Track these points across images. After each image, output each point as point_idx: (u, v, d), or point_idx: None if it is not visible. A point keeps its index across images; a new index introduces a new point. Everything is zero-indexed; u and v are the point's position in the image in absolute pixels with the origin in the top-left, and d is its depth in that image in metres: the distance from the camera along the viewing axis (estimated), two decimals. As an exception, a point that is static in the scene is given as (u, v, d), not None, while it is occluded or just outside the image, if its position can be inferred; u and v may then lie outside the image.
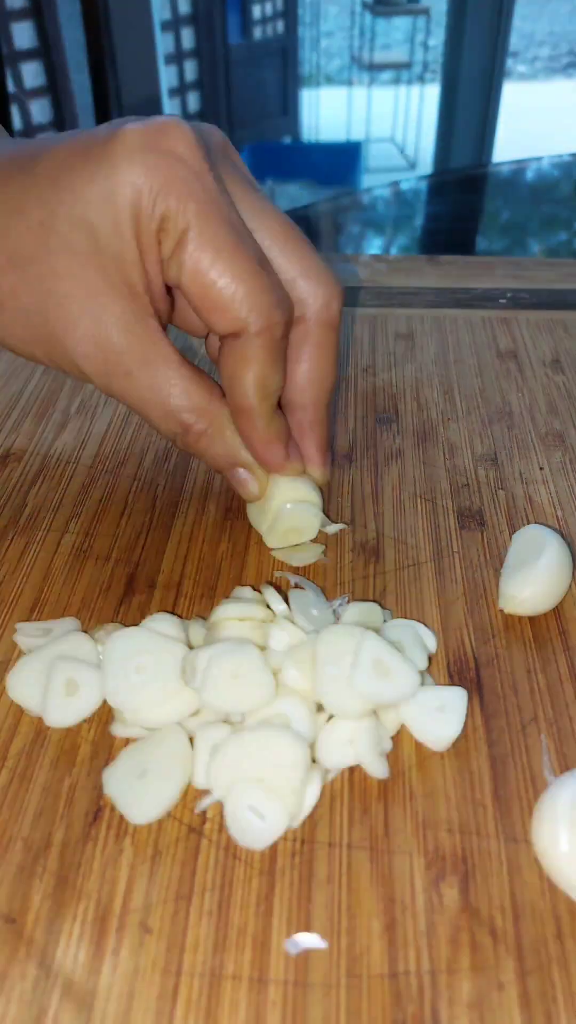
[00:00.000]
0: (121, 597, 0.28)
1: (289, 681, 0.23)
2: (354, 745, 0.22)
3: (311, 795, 0.21)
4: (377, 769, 0.22)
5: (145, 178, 0.23)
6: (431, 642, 0.25)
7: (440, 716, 0.23)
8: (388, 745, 0.23)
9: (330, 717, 0.22)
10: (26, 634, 0.26)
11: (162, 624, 0.24)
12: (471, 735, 0.23)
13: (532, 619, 0.27)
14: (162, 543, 0.30)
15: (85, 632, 0.25)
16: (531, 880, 0.20)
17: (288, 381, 0.28)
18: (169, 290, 0.26)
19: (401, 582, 0.28)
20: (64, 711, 0.23)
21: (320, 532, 0.30)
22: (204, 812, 0.21)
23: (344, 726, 0.22)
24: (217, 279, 0.24)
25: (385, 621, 0.26)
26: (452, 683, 0.25)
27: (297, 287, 0.27)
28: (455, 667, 0.25)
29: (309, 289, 0.27)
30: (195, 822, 0.21)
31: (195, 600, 0.28)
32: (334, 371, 0.28)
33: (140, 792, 0.21)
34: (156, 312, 0.26)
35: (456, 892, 0.20)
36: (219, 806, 0.21)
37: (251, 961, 0.18)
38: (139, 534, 0.30)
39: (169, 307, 0.27)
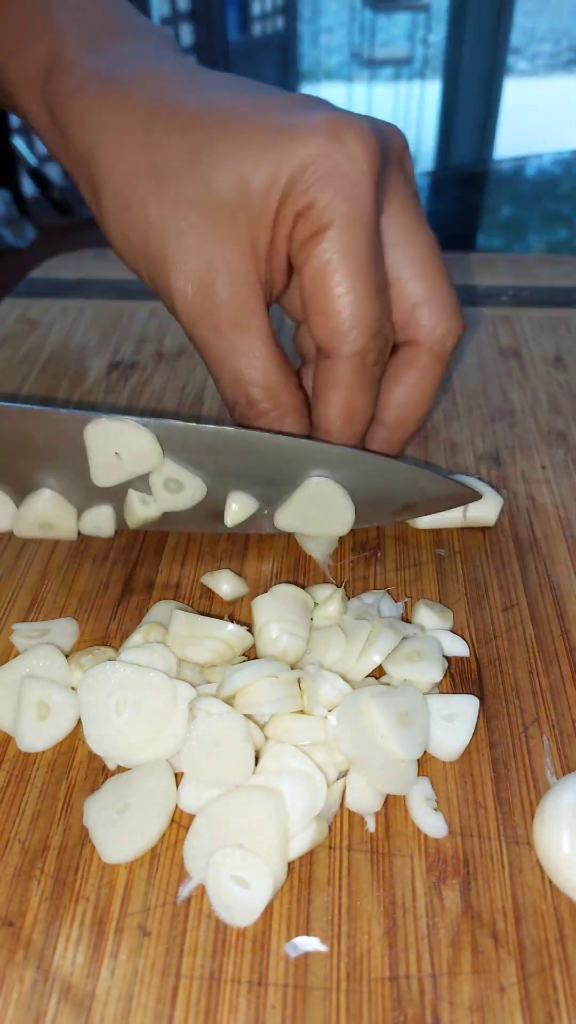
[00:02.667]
0: (119, 598, 0.28)
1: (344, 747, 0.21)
2: (411, 809, 0.21)
3: (306, 840, 0.20)
4: (436, 828, 0.21)
5: (313, 160, 0.24)
6: (462, 649, 0.25)
7: (449, 726, 0.22)
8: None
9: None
10: (23, 635, 0.25)
11: (144, 655, 0.23)
12: (473, 737, 0.23)
13: (534, 619, 0.27)
14: (160, 543, 0.30)
15: (59, 648, 0.25)
16: (533, 882, 0.20)
17: (382, 399, 0.28)
18: (289, 272, 0.27)
19: (402, 582, 0.28)
20: (37, 735, 0.22)
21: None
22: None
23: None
24: (334, 286, 0.24)
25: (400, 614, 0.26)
26: (453, 683, 0.25)
27: (421, 313, 0.27)
28: (456, 668, 0.25)
29: (431, 317, 0.27)
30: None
31: (194, 601, 0.27)
32: (430, 402, 0.28)
33: (118, 830, 0.20)
34: (268, 282, 0.26)
35: (457, 895, 0.19)
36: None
37: (251, 964, 0.18)
38: (137, 534, 0.30)
39: (282, 287, 0.27)
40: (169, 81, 0.26)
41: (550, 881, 0.20)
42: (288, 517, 0.28)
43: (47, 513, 0.27)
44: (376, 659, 0.23)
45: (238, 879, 0.19)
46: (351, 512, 0.27)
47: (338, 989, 0.18)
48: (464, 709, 0.22)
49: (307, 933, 0.19)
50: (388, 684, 0.23)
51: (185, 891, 0.19)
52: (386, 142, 0.25)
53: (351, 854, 0.20)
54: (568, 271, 0.50)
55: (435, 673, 0.23)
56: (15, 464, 0.27)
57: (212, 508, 0.28)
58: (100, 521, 0.28)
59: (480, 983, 0.18)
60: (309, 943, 0.19)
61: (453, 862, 0.20)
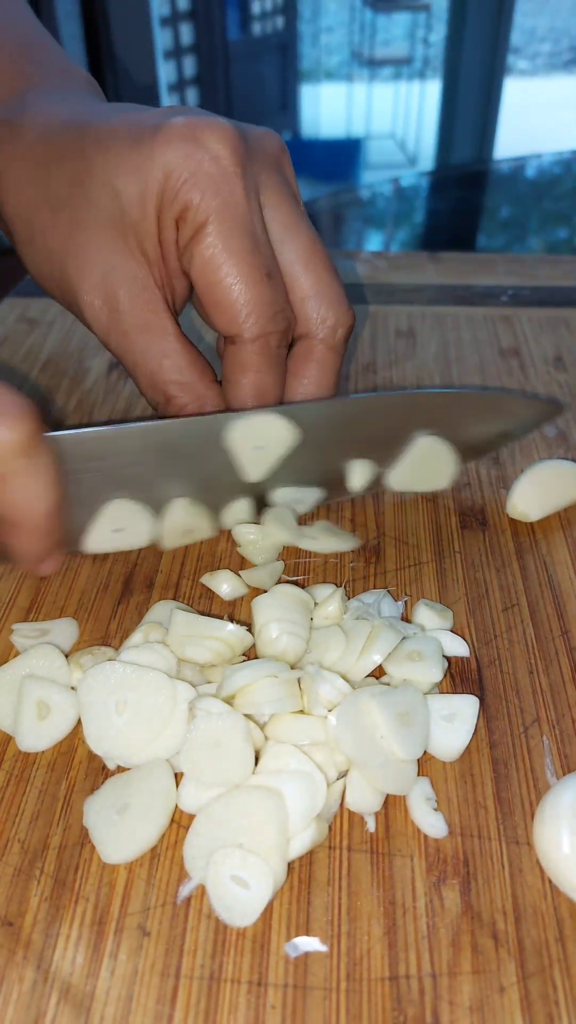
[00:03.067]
0: (119, 597, 0.28)
1: (343, 748, 0.21)
2: (411, 809, 0.21)
3: (306, 840, 0.20)
4: (436, 828, 0.21)
5: (176, 164, 0.25)
6: (463, 649, 0.25)
7: (449, 726, 0.22)
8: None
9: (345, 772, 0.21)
10: (22, 635, 0.25)
11: (144, 655, 0.23)
12: (473, 737, 0.23)
13: (534, 619, 0.27)
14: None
15: (59, 648, 0.24)
16: (533, 882, 0.20)
17: (287, 395, 0.29)
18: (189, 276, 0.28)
19: (402, 582, 0.28)
20: (37, 736, 0.22)
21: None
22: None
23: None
24: (223, 278, 0.25)
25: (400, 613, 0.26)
26: (453, 683, 0.25)
27: (309, 306, 0.28)
28: (456, 668, 0.25)
29: (320, 310, 0.28)
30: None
31: (193, 601, 0.27)
32: (332, 390, 0.29)
33: (117, 830, 0.20)
34: (168, 287, 0.27)
35: (457, 895, 0.19)
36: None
37: (250, 964, 0.18)
38: (138, 533, 0.30)
39: (186, 289, 0.28)
40: (59, 117, 0.28)
41: (550, 881, 0.20)
42: (400, 476, 0.30)
43: (190, 520, 0.28)
44: (376, 659, 0.23)
45: (238, 879, 0.19)
46: (453, 464, 0.30)
47: (338, 989, 0.18)
48: (464, 709, 0.22)
49: (307, 933, 0.19)
50: (388, 684, 0.23)
51: (185, 891, 0.19)
52: (256, 143, 0.26)
53: (351, 854, 0.20)
54: (568, 271, 0.50)
55: (435, 673, 0.23)
56: (153, 479, 0.26)
57: (331, 479, 0.29)
58: (242, 513, 0.29)
59: (480, 983, 0.18)
60: (309, 943, 0.19)
61: (453, 862, 0.20)
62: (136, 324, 0.27)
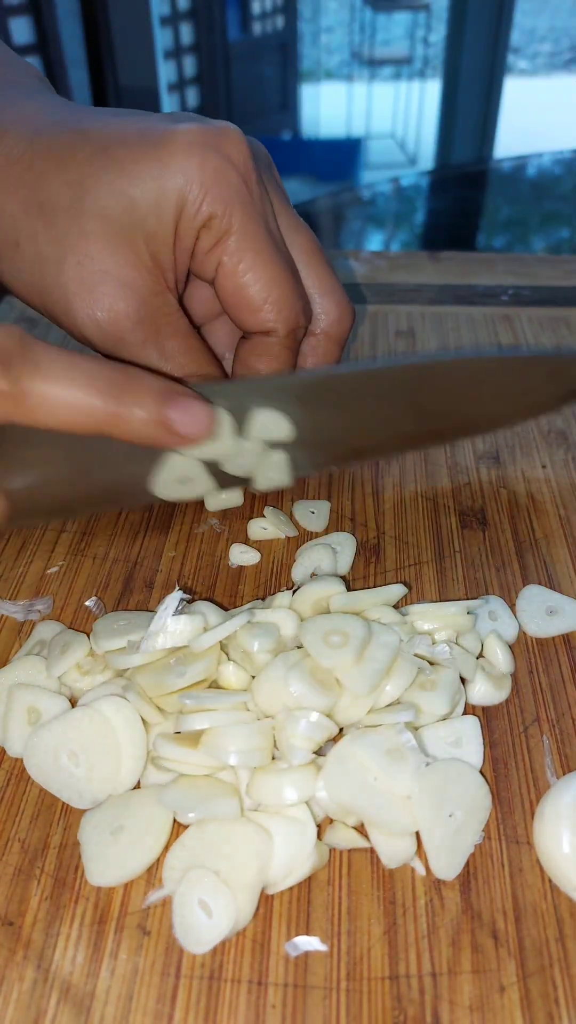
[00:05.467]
0: (119, 597, 0.28)
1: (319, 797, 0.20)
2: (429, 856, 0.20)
3: (307, 866, 0.19)
4: (448, 870, 0.20)
5: (198, 173, 0.24)
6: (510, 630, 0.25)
7: (457, 752, 0.21)
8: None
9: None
10: (5, 611, 0.26)
11: (103, 702, 0.21)
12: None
13: (533, 618, 0.27)
14: (160, 542, 0.30)
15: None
16: (533, 882, 0.20)
17: None
18: (185, 281, 0.28)
19: (402, 582, 0.28)
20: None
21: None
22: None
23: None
24: (253, 282, 0.26)
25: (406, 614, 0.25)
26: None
27: (314, 303, 0.29)
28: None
29: (326, 306, 0.29)
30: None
31: (193, 600, 0.27)
32: None
33: (109, 852, 0.19)
34: (175, 291, 0.27)
35: (457, 894, 0.19)
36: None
37: (250, 964, 0.18)
38: (137, 533, 0.30)
39: (182, 288, 0.28)
40: (41, 119, 0.26)
41: (550, 880, 0.20)
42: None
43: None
44: (390, 691, 0.22)
45: (204, 904, 0.18)
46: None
47: (338, 989, 0.18)
48: (468, 731, 0.22)
49: (307, 932, 0.19)
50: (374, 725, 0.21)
51: (153, 897, 0.19)
52: (254, 147, 0.27)
53: (351, 853, 0.20)
54: (568, 270, 0.50)
55: (442, 705, 0.22)
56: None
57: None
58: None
59: (480, 982, 0.18)
60: (309, 942, 0.19)
61: (453, 861, 0.20)
62: (152, 330, 0.26)
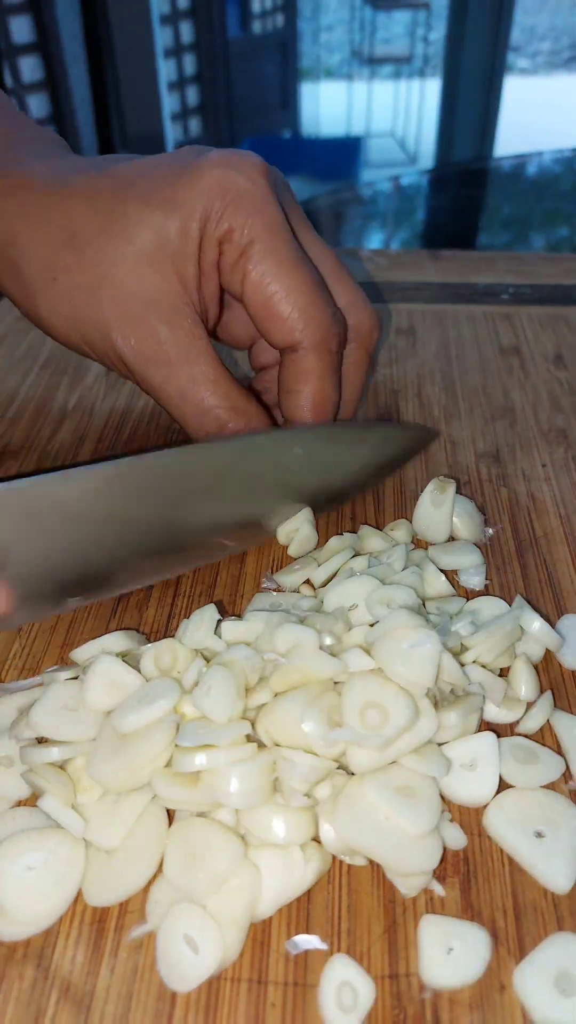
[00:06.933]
0: (118, 597, 0.28)
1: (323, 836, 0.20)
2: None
3: (309, 874, 0.19)
4: (455, 840, 0.20)
5: (219, 190, 0.25)
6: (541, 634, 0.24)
7: (471, 775, 0.20)
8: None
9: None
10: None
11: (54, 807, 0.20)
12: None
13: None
14: (161, 540, 0.30)
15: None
16: (533, 880, 0.20)
17: None
18: (221, 302, 0.28)
19: (402, 580, 0.28)
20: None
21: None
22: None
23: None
24: (278, 291, 0.26)
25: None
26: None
27: (347, 315, 0.29)
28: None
29: (357, 317, 0.29)
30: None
31: (193, 599, 0.27)
32: (363, 387, 0.31)
33: (103, 872, 0.19)
34: (203, 313, 0.27)
35: (457, 892, 0.19)
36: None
37: (250, 962, 0.18)
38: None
39: (216, 316, 0.29)
40: (65, 166, 0.28)
41: (550, 879, 0.20)
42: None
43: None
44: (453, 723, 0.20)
45: (190, 940, 0.18)
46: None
47: (338, 987, 0.18)
48: (485, 751, 0.21)
49: (307, 931, 0.19)
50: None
51: (136, 933, 0.19)
52: (272, 171, 0.27)
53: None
54: (568, 269, 0.50)
55: (469, 724, 0.21)
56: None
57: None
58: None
59: (480, 981, 0.18)
60: (309, 941, 0.19)
61: (453, 860, 0.20)
62: (180, 354, 0.26)
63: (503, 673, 0.24)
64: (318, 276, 0.27)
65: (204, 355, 0.27)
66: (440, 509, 0.28)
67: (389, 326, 0.44)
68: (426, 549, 0.29)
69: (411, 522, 0.30)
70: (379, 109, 3.05)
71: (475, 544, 0.29)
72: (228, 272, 0.27)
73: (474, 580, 0.27)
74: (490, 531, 0.30)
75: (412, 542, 0.29)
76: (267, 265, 0.26)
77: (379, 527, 0.30)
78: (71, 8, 1.89)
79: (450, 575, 0.28)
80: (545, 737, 0.23)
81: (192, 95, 2.52)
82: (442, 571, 0.27)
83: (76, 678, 0.22)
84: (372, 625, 0.23)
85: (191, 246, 0.26)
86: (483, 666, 0.23)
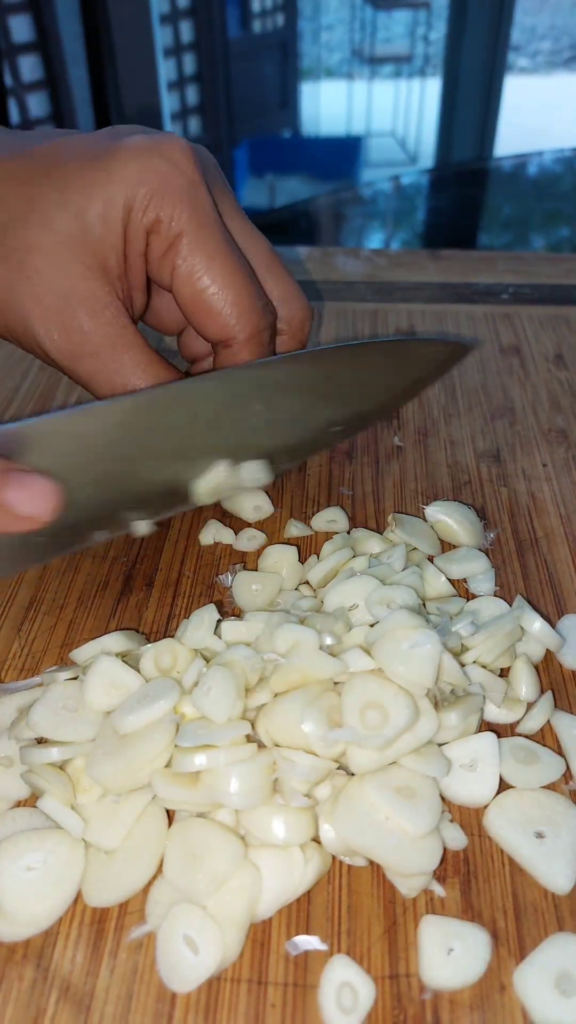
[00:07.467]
0: (118, 595, 0.28)
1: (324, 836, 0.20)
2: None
3: (309, 874, 0.19)
4: (455, 840, 0.20)
5: (142, 178, 0.24)
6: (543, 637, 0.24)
7: (471, 775, 0.20)
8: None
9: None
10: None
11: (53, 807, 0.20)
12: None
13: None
14: (160, 540, 0.30)
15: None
16: (533, 881, 0.20)
17: None
18: (148, 290, 0.27)
19: (402, 580, 0.28)
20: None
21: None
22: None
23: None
24: (209, 285, 0.25)
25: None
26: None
27: (279, 307, 0.29)
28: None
29: (289, 310, 0.29)
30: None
31: (193, 599, 0.27)
32: None
33: (103, 872, 0.19)
34: (128, 301, 0.27)
35: (458, 893, 0.19)
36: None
37: (250, 963, 0.18)
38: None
39: (143, 303, 0.28)
40: None
41: (550, 879, 0.20)
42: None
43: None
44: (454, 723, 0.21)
45: (190, 941, 0.18)
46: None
47: (338, 987, 0.18)
48: (485, 751, 0.21)
49: (307, 932, 0.19)
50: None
51: (136, 933, 0.19)
52: (200, 154, 0.26)
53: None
54: (568, 269, 0.50)
55: (470, 725, 0.21)
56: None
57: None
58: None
59: (480, 981, 0.18)
60: (309, 942, 0.19)
61: (453, 861, 0.20)
62: (105, 344, 0.25)
63: (503, 673, 0.24)
64: (248, 268, 0.26)
65: (131, 344, 0.26)
66: (412, 534, 0.28)
67: (388, 325, 0.44)
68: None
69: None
70: (379, 109, 3.05)
71: (479, 549, 0.29)
72: (156, 264, 0.26)
73: (484, 587, 0.27)
74: (491, 535, 0.30)
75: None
76: (197, 259, 0.25)
77: (379, 528, 0.30)
78: (71, 8, 1.88)
79: (457, 583, 0.28)
80: (545, 737, 0.23)
81: (192, 94, 2.52)
82: (450, 581, 0.27)
83: (76, 678, 0.22)
84: (372, 625, 0.23)
85: (113, 234, 0.25)
86: (483, 666, 0.23)
